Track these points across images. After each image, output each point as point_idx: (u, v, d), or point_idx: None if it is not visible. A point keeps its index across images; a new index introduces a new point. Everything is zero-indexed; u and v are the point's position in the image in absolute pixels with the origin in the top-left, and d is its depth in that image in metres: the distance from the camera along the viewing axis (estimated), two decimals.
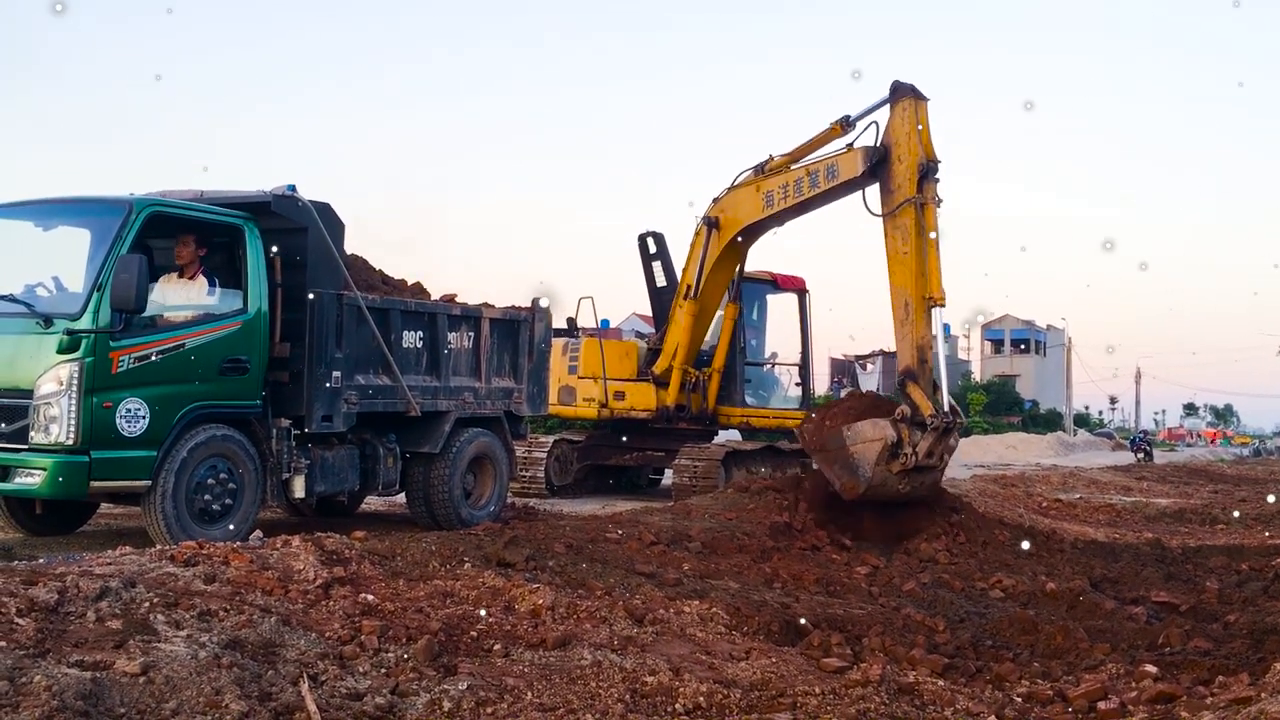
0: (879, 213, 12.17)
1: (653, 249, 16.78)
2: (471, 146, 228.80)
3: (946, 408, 11.48)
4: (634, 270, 16.99)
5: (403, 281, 11.58)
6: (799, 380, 17.51)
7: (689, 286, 15.55)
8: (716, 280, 15.66)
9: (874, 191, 12.40)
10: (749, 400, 16.75)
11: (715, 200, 14.91)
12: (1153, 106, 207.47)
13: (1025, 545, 11.06)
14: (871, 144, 12.32)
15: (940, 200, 11.94)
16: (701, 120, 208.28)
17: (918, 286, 11.67)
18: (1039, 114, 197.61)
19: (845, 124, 12.84)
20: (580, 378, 16.58)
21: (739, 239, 14.78)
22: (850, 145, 12.71)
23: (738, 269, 15.97)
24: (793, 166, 13.53)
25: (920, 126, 11.91)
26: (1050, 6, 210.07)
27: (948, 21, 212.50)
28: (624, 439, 16.73)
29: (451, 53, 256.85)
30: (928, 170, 11.82)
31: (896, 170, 12.02)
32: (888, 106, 12.21)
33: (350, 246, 10.56)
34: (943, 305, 11.69)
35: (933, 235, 11.76)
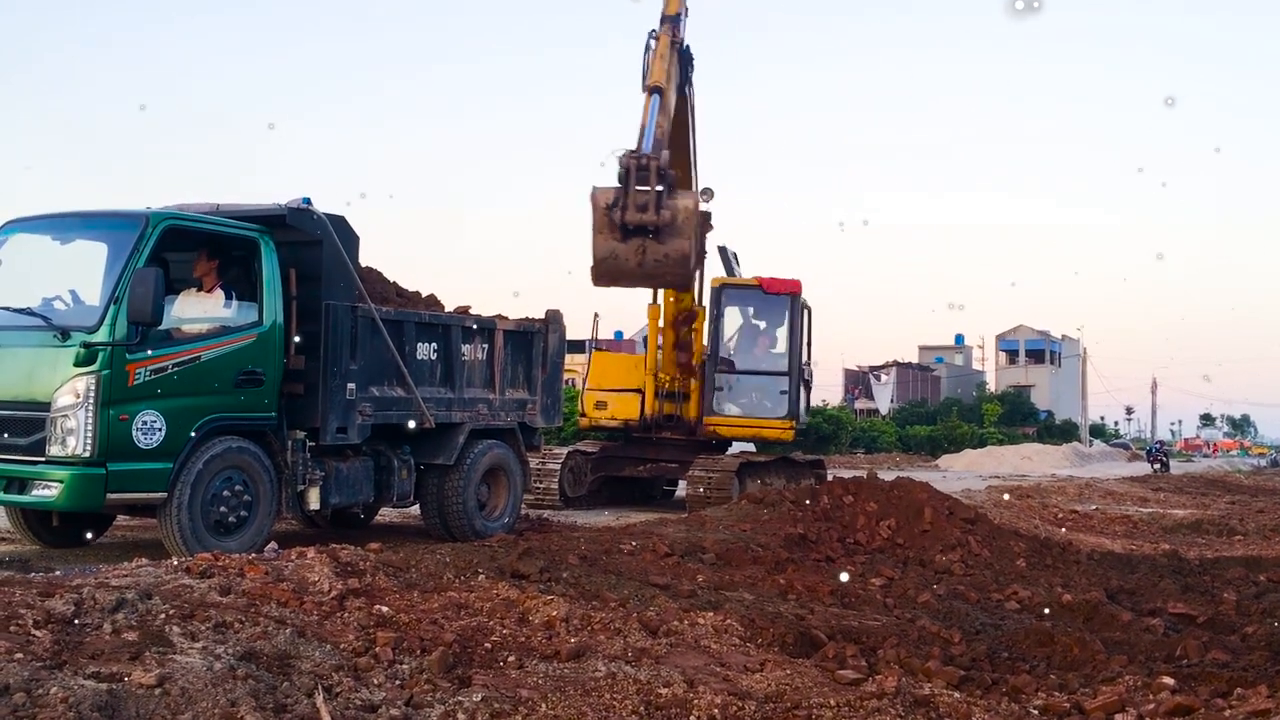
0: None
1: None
2: (482, 157, 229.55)
3: (650, 148, 11.63)
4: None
5: (416, 294, 11.62)
6: (785, 388, 16.76)
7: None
8: None
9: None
10: (732, 409, 16.55)
11: None
12: (1156, 114, 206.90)
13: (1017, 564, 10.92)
14: None
15: (682, 43, 13.53)
16: (719, 131, 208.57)
17: (653, 83, 12.77)
18: (1044, 122, 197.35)
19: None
20: (587, 389, 17.04)
21: None
22: None
23: (701, 271, 16.18)
24: None
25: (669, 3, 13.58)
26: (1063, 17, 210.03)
27: (956, 29, 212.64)
28: (637, 450, 16.85)
29: (455, 64, 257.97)
30: (663, 18, 13.36)
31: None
32: None
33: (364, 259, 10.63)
34: (659, 90, 12.61)
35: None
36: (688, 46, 14.02)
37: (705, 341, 16.63)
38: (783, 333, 16.97)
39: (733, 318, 17.17)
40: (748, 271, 17.35)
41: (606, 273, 11.08)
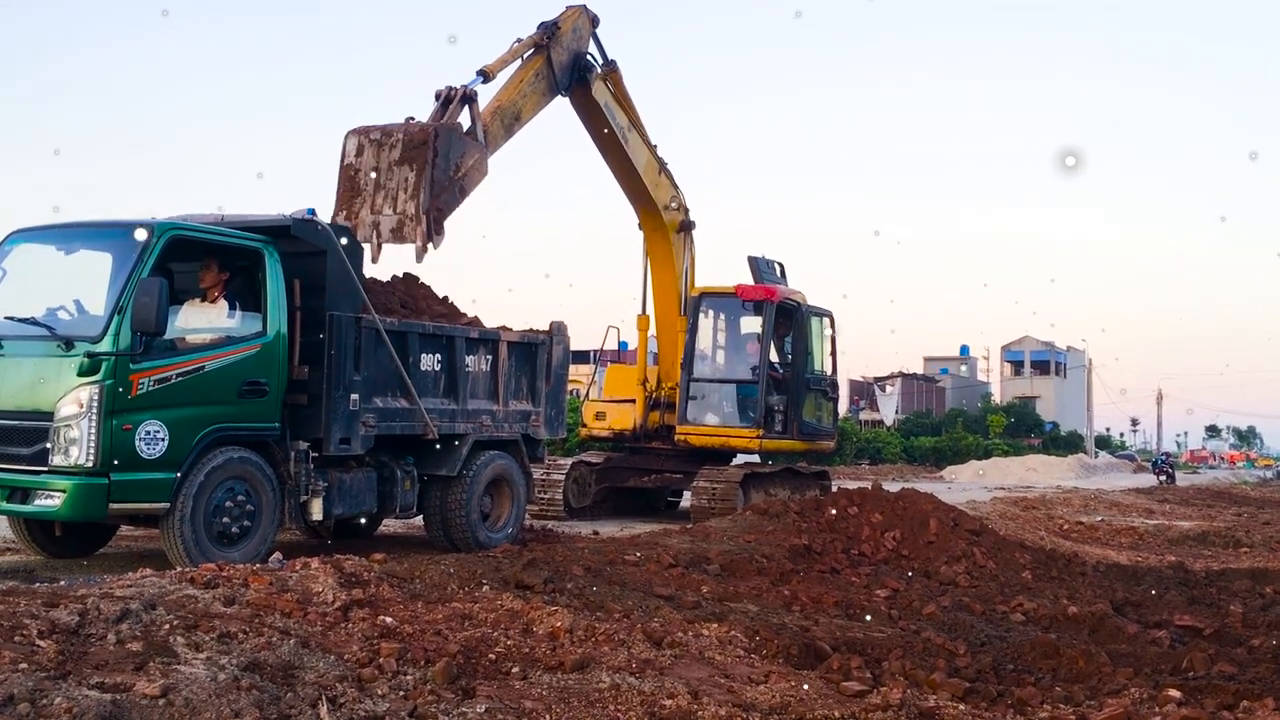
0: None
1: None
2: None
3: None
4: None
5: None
6: (755, 397, 16.27)
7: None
8: (659, 286, 16.40)
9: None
10: (709, 418, 16.39)
11: None
12: (1161, 123, 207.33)
13: None
14: None
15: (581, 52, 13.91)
16: (733, 143, 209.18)
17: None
18: (1051, 131, 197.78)
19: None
20: (596, 400, 17.32)
21: (650, 230, 16.06)
22: None
23: (682, 277, 16.38)
24: None
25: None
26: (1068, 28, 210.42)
27: (966, 41, 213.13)
28: (641, 461, 16.89)
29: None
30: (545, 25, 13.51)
31: None
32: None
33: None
34: (483, 73, 12.42)
35: None
36: (588, 55, 14.00)
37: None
38: (792, 342, 16.83)
39: (716, 325, 17.21)
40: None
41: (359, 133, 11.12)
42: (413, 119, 11.42)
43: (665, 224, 15.96)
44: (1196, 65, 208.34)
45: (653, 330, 17.00)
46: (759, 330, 16.68)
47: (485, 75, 12.37)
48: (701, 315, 16.71)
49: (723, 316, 17.28)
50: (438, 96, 11.74)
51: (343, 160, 11.17)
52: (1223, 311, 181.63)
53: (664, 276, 16.40)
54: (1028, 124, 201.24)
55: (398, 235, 10.89)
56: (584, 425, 17.27)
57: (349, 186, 11.02)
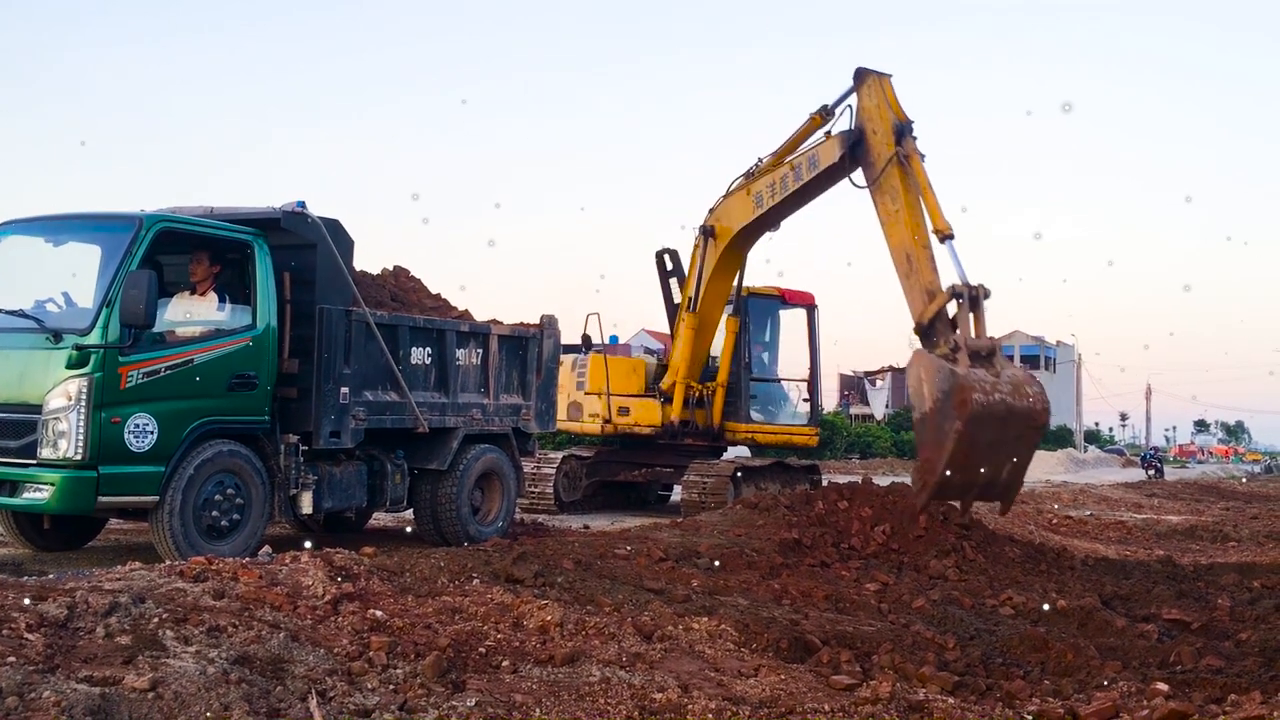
0: (863, 185, 12.33)
1: (669, 266, 16.85)
2: (485, 169, 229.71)
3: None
4: (644, 287, 17.19)
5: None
6: (807, 396, 17.50)
7: (689, 299, 15.89)
8: (716, 291, 15.93)
9: (861, 178, 12.53)
10: (755, 416, 16.72)
11: (710, 210, 15.37)
12: (1153, 128, 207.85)
13: None
14: (847, 128, 12.61)
15: (923, 155, 11.87)
16: (715, 144, 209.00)
17: (915, 237, 11.42)
18: (1046, 130, 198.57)
19: (824, 114, 13.13)
20: (587, 394, 16.79)
21: (736, 245, 15.25)
22: (828, 133, 13.02)
23: (737, 280, 16.23)
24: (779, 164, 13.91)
25: (887, 98, 12.14)
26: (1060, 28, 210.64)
27: (951, 45, 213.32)
28: (633, 455, 16.83)
29: (468, 82, 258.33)
30: (902, 130, 11.92)
31: (874, 143, 12.18)
32: (855, 93, 12.50)
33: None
34: (952, 236, 11.22)
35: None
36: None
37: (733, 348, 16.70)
38: (799, 341, 17.37)
39: (759, 327, 17.30)
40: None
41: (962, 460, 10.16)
42: (1027, 373, 10.72)
43: (752, 243, 15.66)
44: (1186, 69, 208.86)
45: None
46: (792, 330, 17.27)
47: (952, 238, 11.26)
48: (748, 316, 16.81)
49: (758, 317, 17.36)
50: (957, 293, 10.72)
51: (966, 421, 10.11)
52: (1211, 307, 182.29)
53: (723, 283, 16.05)
54: (1017, 122, 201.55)
55: (988, 498, 11.12)
56: (608, 422, 16.42)
57: (967, 451, 10.27)
